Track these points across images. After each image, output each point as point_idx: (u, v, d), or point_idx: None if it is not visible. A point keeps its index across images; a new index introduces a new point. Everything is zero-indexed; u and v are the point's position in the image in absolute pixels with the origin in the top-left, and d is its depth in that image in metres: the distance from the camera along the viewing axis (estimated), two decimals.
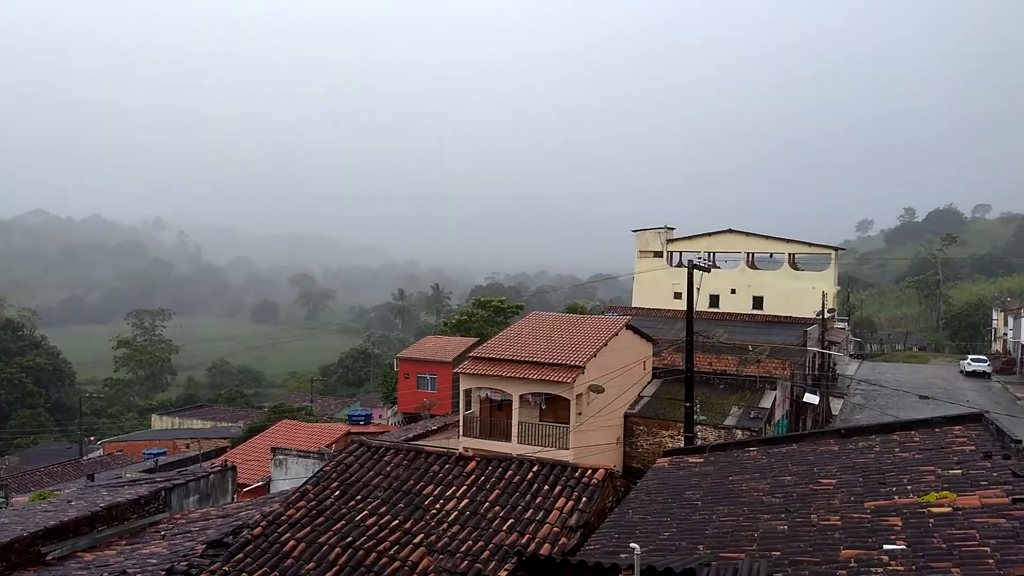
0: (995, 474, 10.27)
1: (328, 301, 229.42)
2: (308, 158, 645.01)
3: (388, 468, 13.07)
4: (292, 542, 11.06)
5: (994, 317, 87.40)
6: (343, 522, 11.53)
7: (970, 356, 69.00)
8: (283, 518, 11.72)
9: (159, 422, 75.16)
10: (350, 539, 11.02)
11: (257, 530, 11.42)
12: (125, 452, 56.22)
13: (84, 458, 54.87)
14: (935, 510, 9.20)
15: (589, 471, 12.44)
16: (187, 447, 55.93)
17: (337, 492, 12.43)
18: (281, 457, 31.73)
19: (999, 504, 8.95)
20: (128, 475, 30.84)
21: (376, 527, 11.32)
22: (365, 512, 11.76)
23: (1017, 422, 37.83)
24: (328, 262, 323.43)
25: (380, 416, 61.56)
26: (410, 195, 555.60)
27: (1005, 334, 78.30)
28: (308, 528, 11.41)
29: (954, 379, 61.86)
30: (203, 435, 58.02)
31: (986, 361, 67.34)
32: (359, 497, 12.24)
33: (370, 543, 10.87)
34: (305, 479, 13.44)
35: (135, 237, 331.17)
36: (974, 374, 63.99)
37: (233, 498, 22.01)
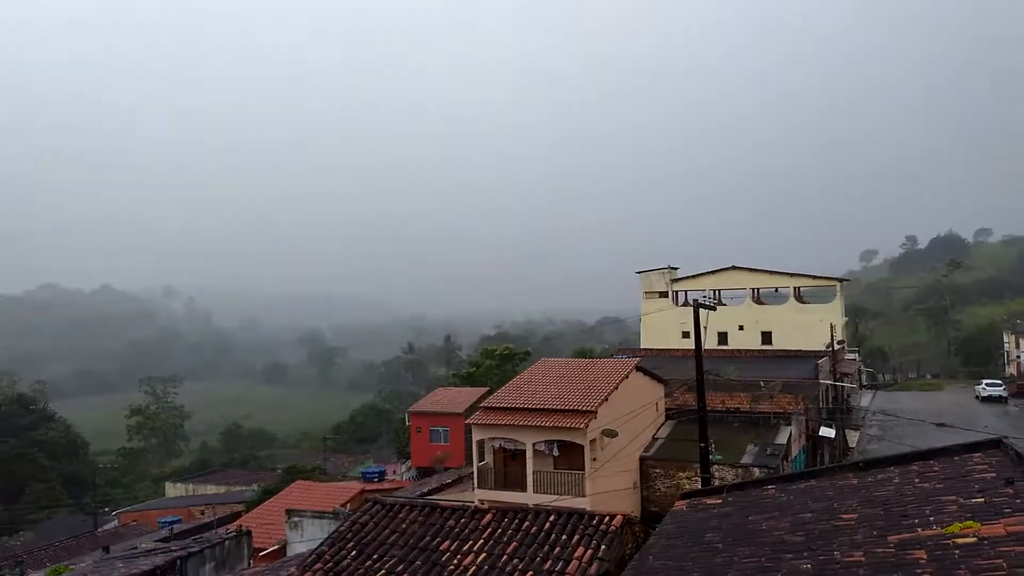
0: (1018, 501, 10.14)
1: (337, 359, 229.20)
2: (310, 212, 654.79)
3: (404, 525, 12.97)
4: None
5: (1005, 340, 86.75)
6: None
7: (985, 381, 68.18)
8: None
9: (173, 489, 74.58)
10: None
11: None
12: (140, 522, 55.61)
13: (99, 530, 54.32)
14: (960, 541, 9.07)
15: (607, 518, 12.33)
16: (202, 513, 55.35)
17: (353, 552, 12.32)
18: (296, 519, 31.32)
19: None
20: (143, 545, 30.50)
21: None
22: (383, 572, 11.64)
23: None
24: (336, 319, 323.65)
25: (394, 472, 61.01)
26: (410, 249, 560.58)
27: (1018, 356, 77.68)
28: None
29: (970, 405, 61.09)
30: (218, 500, 57.43)
31: (1002, 385, 66.50)
32: (375, 556, 12.13)
33: None
34: (321, 540, 13.36)
35: (145, 306, 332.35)
36: (990, 399, 63.16)
37: (249, 563, 21.80)
